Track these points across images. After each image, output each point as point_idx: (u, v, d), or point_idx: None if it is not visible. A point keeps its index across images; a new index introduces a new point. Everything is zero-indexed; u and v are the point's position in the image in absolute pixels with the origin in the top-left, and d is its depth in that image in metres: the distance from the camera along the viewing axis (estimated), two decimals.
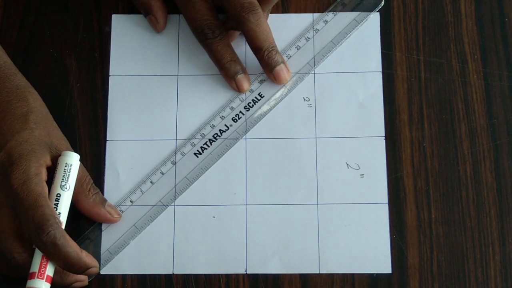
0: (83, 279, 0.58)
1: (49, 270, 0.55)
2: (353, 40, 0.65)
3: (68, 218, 0.58)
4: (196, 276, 0.60)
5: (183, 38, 0.66)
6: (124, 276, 0.60)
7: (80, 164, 0.59)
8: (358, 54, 0.65)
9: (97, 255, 0.60)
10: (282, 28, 0.65)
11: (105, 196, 0.61)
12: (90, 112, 0.64)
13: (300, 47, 0.65)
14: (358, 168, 0.62)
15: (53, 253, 0.54)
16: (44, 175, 0.57)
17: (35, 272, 0.55)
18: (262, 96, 0.64)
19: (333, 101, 0.63)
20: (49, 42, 0.66)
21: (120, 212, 0.61)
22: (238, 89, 0.63)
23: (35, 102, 0.60)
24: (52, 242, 0.54)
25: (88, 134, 0.63)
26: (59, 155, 0.58)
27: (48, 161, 0.58)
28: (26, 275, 0.55)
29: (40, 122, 0.59)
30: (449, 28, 0.65)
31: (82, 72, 0.65)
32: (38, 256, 0.55)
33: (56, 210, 0.56)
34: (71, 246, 0.55)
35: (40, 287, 0.55)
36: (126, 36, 0.66)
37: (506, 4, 0.65)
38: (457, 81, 0.64)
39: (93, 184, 0.60)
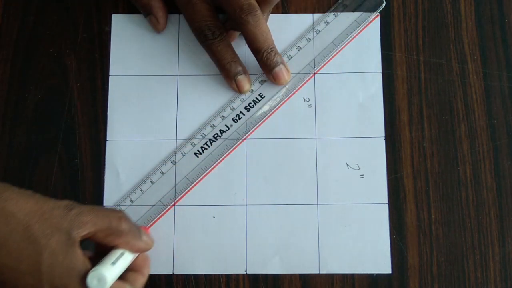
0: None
1: None
2: (353, 41, 0.65)
3: None
4: (196, 276, 0.60)
5: (183, 38, 0.66)
6: None
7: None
8: (358, 55, 0.65)
9: None
10: (282, 29, 0.65)
11: (105, 196, 0.61)
12: (90, 112, 0.64)
13: (301, 48, 0.65)
14: (358, 168, 0.62)
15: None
16: None
17: None
18: (262, 96, 0.64)
19: (333, 101, 0.63)
20: (49, 42, 0.66)
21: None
22: (239, 90, 0.63)
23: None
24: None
25: (88, 134, 0.63)
26: None
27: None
28: None
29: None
30: (449, 29, 0.65)
31: (82, 72, 0.65)
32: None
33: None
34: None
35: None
36: (126, 36, 0.66)
37: (506, 4, 0.65)
38: (457, 81, 0.64)
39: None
